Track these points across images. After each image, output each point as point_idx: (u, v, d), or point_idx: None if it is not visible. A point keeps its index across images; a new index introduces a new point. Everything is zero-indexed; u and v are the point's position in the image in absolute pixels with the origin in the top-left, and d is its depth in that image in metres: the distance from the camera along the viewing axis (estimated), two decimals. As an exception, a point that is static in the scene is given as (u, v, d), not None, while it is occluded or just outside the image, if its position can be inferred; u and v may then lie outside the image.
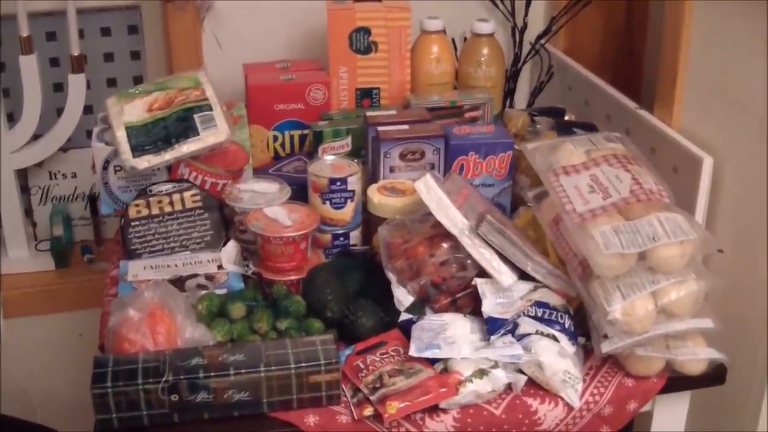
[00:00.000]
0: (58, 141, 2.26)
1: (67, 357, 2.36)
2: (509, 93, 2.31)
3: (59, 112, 2.25)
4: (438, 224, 1.67)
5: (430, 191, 1.69)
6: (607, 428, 1.62)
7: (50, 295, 2.34)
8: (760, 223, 1.74)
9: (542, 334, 1.60)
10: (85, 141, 2.25)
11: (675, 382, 1.63)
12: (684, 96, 1.93)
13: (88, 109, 2.28)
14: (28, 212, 2.39)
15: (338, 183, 1.81)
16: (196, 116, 1.87)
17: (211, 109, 1.89)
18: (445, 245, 1.67)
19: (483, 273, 1.67)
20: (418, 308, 1.66)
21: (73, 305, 2.34)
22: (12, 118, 2.29)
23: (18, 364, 2.37)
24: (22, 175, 2.34)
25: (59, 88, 2.34)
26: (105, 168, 1.91)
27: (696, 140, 1.84)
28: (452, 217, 1.67)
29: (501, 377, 1.56)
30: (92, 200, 2.37)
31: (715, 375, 1.64)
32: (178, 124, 1.87)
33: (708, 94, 1.86)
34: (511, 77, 2.30)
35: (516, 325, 1.61)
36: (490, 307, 1.63)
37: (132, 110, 1.91)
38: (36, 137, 2.27)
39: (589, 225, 1.59)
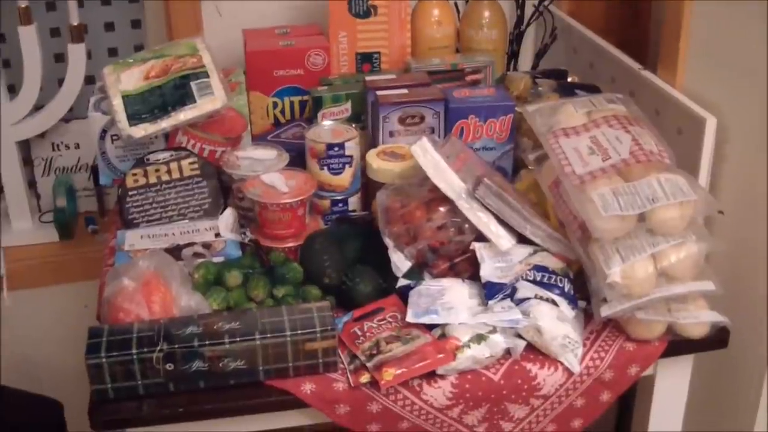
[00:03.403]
0: (60, 112, 2.25)
1: (72, 328, 2.32)
2: (513, 56, 2.28)
3: (60, 82, 2.23)
4: (435, 188, 1.65)
5: (427, 155, 1.67)
6: (608, 393, 1.60)
7: (54, 267, 2.34)
8: (764, 183, 1.71)
9: (541, 298, 1.58)
10: (87, 111, 2.24)
11: (677, 345, 1.62)
12: (688, 57, 1.90)
13: (89, 80, 2.26)
14: (32, 184, 2.38)
15: (336, 148, 1.80)
16: (192, 83, 1.86)
17: (207, 76, 1.88)
18: (442, 209, 1.66)
19: (481, 237, 1.65)
20: (416, 273, 1.65)
21: (78, 276, 2.33)
22: (13, 90, 2.28)
23: (23, 335, 2.38)
24: (25, 146, 2.33)
25: (60, 58, 2.33)
26: (102, 138, 1.90)
27: (700, 101, 1.81)
28: (449, 181, 1.65)
29: (499, 342, 1.54)
30: (95, 171, 2.34)
31: (718, 338, 1.62)
32: (175, 92, 1.85)
33: (713, 55, 1.84)
34: (515, 40, 2.27)
35: (515, 290, 1.59)
36: (488, 271, 1.61)
37: (128, 79, 1.90)
38: (38, 108, 2.26)
39: (588, 187, 1.57)
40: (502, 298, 1.58)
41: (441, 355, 1.51)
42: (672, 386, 1.71)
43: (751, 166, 1.76)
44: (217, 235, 1.77)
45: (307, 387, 1.51)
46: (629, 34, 2.28)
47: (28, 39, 2.15)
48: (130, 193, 1.83)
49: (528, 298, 1.58)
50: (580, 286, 1.64)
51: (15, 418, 2.15)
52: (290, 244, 1.73)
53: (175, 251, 1.71)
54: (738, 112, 1.77)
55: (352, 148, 1.81)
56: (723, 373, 1.88)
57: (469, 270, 1.66)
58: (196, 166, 1.85)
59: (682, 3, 1.86)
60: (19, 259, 2.31)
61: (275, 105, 2.03)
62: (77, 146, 2.36)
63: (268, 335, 1.48)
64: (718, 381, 1.90)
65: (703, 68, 1.86)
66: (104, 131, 1.90)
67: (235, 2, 2.29)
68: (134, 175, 1.84)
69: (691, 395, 1.74)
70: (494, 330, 1.55)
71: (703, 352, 1.66)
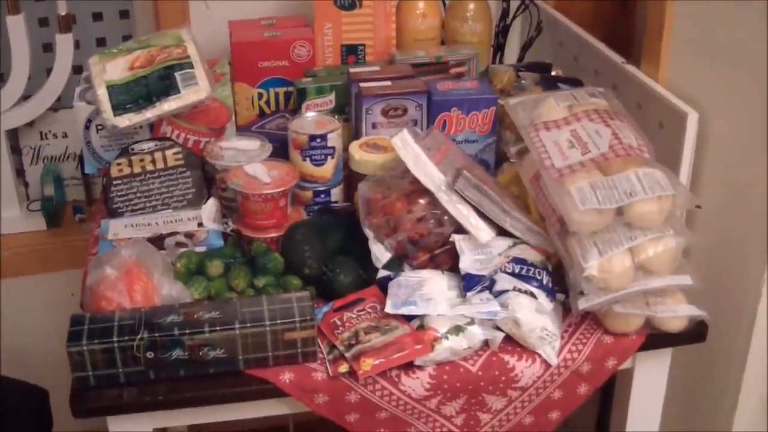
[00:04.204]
0: (48, 101, 2.26)
1: (60, 316, 2.31)
2: (499, 48, 2.29)
3: (48, 72, 2.24)
4: (416, 180, 1.66)
5: (407, 147, 1.67)
6: (585, 386, 1.61)
7: (42, 255, 2.35)
8: (746, 178, 1.72)
9: (520, 290, 1.59)
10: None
11: (655, 339, 1.62)
12: (671, 51, 1.90)
13: (77, 69, 2.27)
14: (20, 172, 2.39)
15: (318, 140, 1.81)
16: (177, 74, 1.87)
17: (192, 67, 1.89)
18: (422, 201, 1.66)
19: (461, 229, 1.66)
20: (396, 265, 1.66)
21: (65, 265, 2.34)
22: (1, 79, 2.29)
23: (11, 324, 2.39)
24: (13, 135, 2.34)
25: (48, 48, 2.33)
26: (87, 127, 1.91)
27: (683, 95, 1.82)
28: (429, 173, 1.65)
29: (477, 334, 1.55)
30: (83, 160, 2.36)
31: (696, 332, 1.63)
32: (159, 82, 1.86)
33: (696, 49, 1.84)
34: (501, 33, 2.28)
35: (493, 282, 1.60)
36: (467, 263, 1.62)
37: (114, 69, 1.90)
38: (26, 98, 2.26)
39: (566, 181, 1.58)
40: (481, 290, 1.59)
41: (419, 346, 1.52)
42: (650, 380, 1.72)
43: (733, 160, 1.77)
44: (200, 224, 1.78)
45: (286, 376, 1.52)
46: (615, 28, 2.29)
47: (16, 29, 2.15)
48: (114, 182, 1.83)
49: (506, 291, 1.58)
50: (558, 279, 1.65)
51: (0, 405, 2.15)
52: (272, 235, 1.74)
53: (157, 240, 1.72)
54: (720, 107, 1.77)
55: (334, 139, 1.82)
56: (701, 367, 1.89)
57: (449, 262, 1.67)
58: (180, 156, 1.86)
59: (665, -2, 1.87)
60: (7, 247, 2.32)
61: (260, 96, 2.03)
62: (65, 135, 2.37)
63: (248, 325, 1.49)
64: (697, 374, 1.90)
65: (685, 63, 1.87)
66: (89, 121, 1.91)
67: (222, -7, 2.30)
68: (119, 164, 1.85)
69: (669, 389, 1.74)
70: (472, 322, 1.56)
71: (681, 345, 1.67)
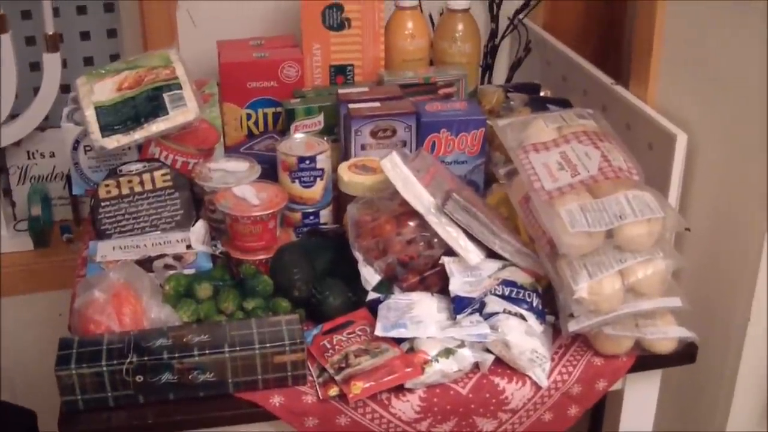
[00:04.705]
0: (35, 120, 2.24)
1: (47, 337, 2.30)
2: (488, 68, 2.29)
3: (36, 91, 2.23)
4: (405, 202, 1.66)
5: (396, 169, 1.67)
6: (575, 407, 1.61)
7: (29, 275, 2.33)
8: (735, 200, 1.72)
9: (510, 312, 1.58)
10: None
11: (645, 360, 1.62)
12: (660, 72, 1.91)
13: (65, 88, 2.25)
14: (7, 192, 2.38)
15: (307, 161, 1.80)
16: (165, 95, 1.86)
17: (180, 88, 1.88)
18: (411, 223, 1.66)
19: (450, 251, 1.66)
20: (385, 287, 1.65)
21: (53, 285, 2.32)
22: (-12, 98, 2.28)
23: (-3, 344, 2.38)
24: (0, 154, 2.32)
25: (35, 67, 2.32)
26: (75, 148, 1.91)
27: (672, 116, 1.82)
28: (418, 195, 1.65)
29: (467, 356, 1.55)
30: (70, 180, 2.35)
31: (686, 353, 1.63)
32: (148, 104, 1.85)
33: (685, 70, 1.84)
34: (489, 53, 2.28)
35: (483, 304, 1.60)
36: (457, 285, 1.62)
37: (101, 89, 1.90)
38: (13, 117, 2.25)
39: (556, 203, 1.58)
40: (471, 313, 1.59)
41: (409, 369, 1.52)
42: (641, 401, 1.72)
43: (721, 181, 1.77)
44: (189, 246, 1.77)
45: (276, 399, 1.52)
46: (604, 49, 2.30)
47: (4, 47, 2.14)
48: (102, 204, 1.83)
49: (496, 313, 1.58)
50: (548, 301, 1.65)
51: (-13, 427, 2.15)
52: (261, 257, 1.73)
53: (146, 263, 1.71)
54: (709, 128, 1.78)
55: (323, 161, 1.82)
56: (691, 388, 1.89)
57: (439, 284, 1.67)
58: (168, 177, 1.85)
59: (654, 18, 1.87)
60: (-7, 267, 2.31)
61: (249, 116, 2.03)
62: (52, 155, 2.35)
63: (237, 348, 1.49)
64: (687, 395, 1.90)
65: (674, 83, 1.87)
66: (77, 142, 1.90)
67: (210, 13, 2.28)
68: (107, 186, 1.84)
69: (659, 410, 1.75)
70: (462, 344, 1.56)
71: (671, 367, 1.67)
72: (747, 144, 1.68)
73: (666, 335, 1.60)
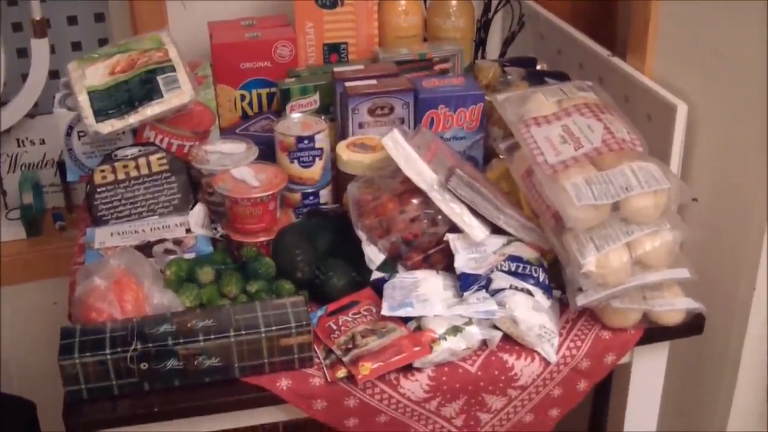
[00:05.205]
0: (24, 107, 2.22)
1: (43, 326, 2.32)
2: (480, 44, 2.27)
3: (24, 78, 2.21)
4: (407, 180, 1.64)
5: (398, 147, 1.66)
6: (584, 382, 1.60)
7: (23, 264, 2.31)
8: (736, 169, 1.71)
9: (516, 288, 1.58)
10: (52, 106, 2.21)
11: (652, 333, 1.62)
12: (658, 42, 1.89)
13: (53, 74, 2.24)
14: (-3, 180, 2.36)
15: (306, 141, 1.78)
16: (159, 78, 1.84)
17: (174, 70, 1.86)
18: (415, 201, 1.65)
19: (455, 228, 1.64)
20: (389, 266, 1.64)
21: (47, 273, 2.30)
22: (-24, 86, 2.25)
23: (-7, 335, 2.36)
24: (-10, 143, 2.31)
25: (23, 53, 2.30)
26: (68, 134, 1.88)
27: (670, 87, 1.81)
28: (421, 173, 1.63)
29: (475, 334, 1.54)
30: (61, 166, 2.33)
31: (693, 325, 1.63)
32: (142, 87, 1.83)
33: (682, 40, 1.83)
34: (482, 28, 2.26)
35: (489, 280, 1.59)
36: (462, 262, 1.61)
37: (94, 74, 1.87)
38: (2, 104, 2.23)
39: (560, 176, 1.56)
40: (477, 289, 1.58)
41: (417, 348, 1.51)
42: (648, 373, 1.71)
43: (721, 151, 1.76)
44: (188, 230, 1.76)
45: (283, 383, 1.50)
46: (596, 21, 2.28)
47: (-9, 34, 2.12)
48: (98, 189, 1.81)
49: (503, 289, 1.57)
50: (554, 275, 1.63)
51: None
52: (262, 239, 1.71)
53: (145, 248, 1.70)
54: (707, 98, 1.76)
55: (322, 140, 1.80)
56: (700, 360, 1.88)
57: (443, 261, 1.66)
58: (164, 161, 1.83)
59: (650, -11, 1.85)
60: (-14, 257, 2.28)
61: (243, 97, 2.01)
62: (42, 142, 2.33)
63: (243, 332, 1.47)
64: (694, 367, 1.90)
65: (672, 51, 1.86)
66: (71, 128, 1.88)
67: (200, -7, 2.27)
68: (102, 171, 1.82)
69: (665, 382, 1.74)
70: (470, 321, 1.54)
71: (679, 338, 1.67)
72: (746, 113, 1.67)
73: (674, 307, 1.59)
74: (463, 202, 1.63)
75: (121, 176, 1.81)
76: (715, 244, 1.78)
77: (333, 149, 1.84)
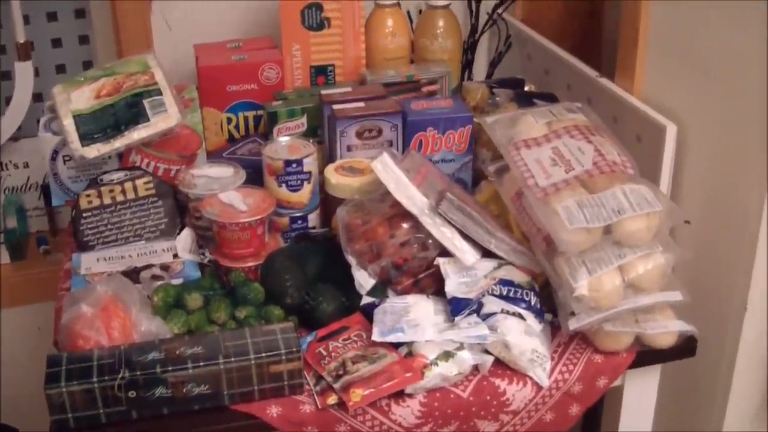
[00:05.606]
0: (8, 131, 2.21)
1: (28, 351, 2.31)
2: (467, 65, 2.27)
3: (8, 101, 2.19)
4: (397, 204, 1.63)
5: (388, 170, 1.64)
6: (577, 406, 1.59)
7: (7, 289, 2.29)
8: (727, 189, 1.71)
9: (508, 312, 1.56)
10: (36, 130, 2.19)
11: (645, 356, 1.61)
12: (646, 63, 1.89)
13: (37, 97, 2.23)
14: (-20, 204, 2.34)
15: (294, 165, 1.77)
16: (145, 101, 1.83)
17: (160, 94, 1.84)
18: (405, 225, 1.63)
19: (445, 252, 1.63)
20: (380, 291, 1.63)
21: (31, 298, 2.29)
22: (-41, 110, 2.24)
23: (-24, 360, 2.33)
24: (-26, 166, 2.29)
25: (6, 76, 2.29)
26: (53, 158, 1.86)
27: (660, 108, 1.80)
28: (411, 196, 1.62)
29: (467, 359, 1.53)
30: (45, 190, 2.31)
31: (686, 347, 1.62)
32: (128, 110, 1.82)
33: (671, 61, 1.83)
34: (469, 49, 2.26)
35: (481, 305, 1.58)
36: (453, 286, 1.60)
37: (79, 97, 1.86)
38: (-15, 128, 2.22)
39: (552, 199, 1.55)
40: (469, 314, 1.57)
41: (409, 374, 1.49)
42: (640, 396, 1.71)
43: (711, 171, 1.75)
44: (175, 256, 1.74)
45: (273, 410, 1.49)
46: (584, 36, 2.28)
47: (-27, 58, 2.11)
48: (84, 214, 1.79)
49: (494, 313, 1.56)
50: (545, 299, 1.63)
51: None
52: (250, 264, 1.70)
53: (132, 274, 1.68)
54: (697, 118, 1.76)
55: (310, 164, 1.78)
56: (688, 382, 1.87)
57: (434, 286, 1.64)
58: (151, 185, 1.81)
59: (639, 7, 1.84)
60: (-31, 282, 2.26)
61: (229, 120, 2.00)
62: (26, 165, 2.31)
63: (232, 359, 1.46)
64: (686, 388, 1.89)
65: (661, 72, 1.85)
66: (56, 152, 1.86)
67: (185, 15, 2.24)
68: (88, 196, 1.80)
69: (657, 404, 1.73)
70: (461, 346, 1.53)
71: (671, 361, 1.66)
72: (736, 132, 1.67)
73: (666, 329, 1.58)
74: (453, 226, 1.62)
75: (107, 201, 1.80)
76: (706, 263, 1.78)
77: (321, 172, 1.83)
